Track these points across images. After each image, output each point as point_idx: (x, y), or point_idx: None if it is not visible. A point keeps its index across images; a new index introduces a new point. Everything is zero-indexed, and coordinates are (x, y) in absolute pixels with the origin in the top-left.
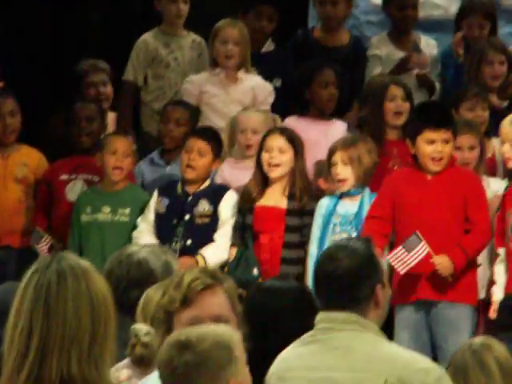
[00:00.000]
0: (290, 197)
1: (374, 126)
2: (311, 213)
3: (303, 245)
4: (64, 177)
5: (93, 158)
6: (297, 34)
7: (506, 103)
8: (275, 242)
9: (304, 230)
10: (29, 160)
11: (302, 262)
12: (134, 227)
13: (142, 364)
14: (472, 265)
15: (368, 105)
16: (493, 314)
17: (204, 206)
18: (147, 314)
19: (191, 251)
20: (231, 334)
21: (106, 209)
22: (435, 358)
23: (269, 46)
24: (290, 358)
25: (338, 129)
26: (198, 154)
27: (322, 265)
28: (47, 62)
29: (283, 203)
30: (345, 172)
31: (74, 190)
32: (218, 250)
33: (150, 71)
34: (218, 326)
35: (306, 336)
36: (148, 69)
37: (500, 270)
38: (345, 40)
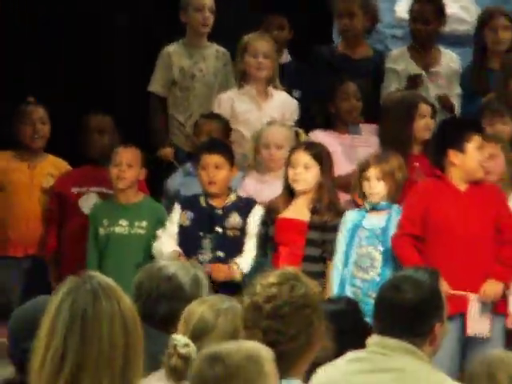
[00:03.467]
0: (314, 211)
1: (401, 141)
2: (333, 229)
3: (324, 260)
4: (75, 189)
5: (103, 169)
6: (320, 47)
7: None
8: (294, 254)
9: (325, 245)
10: (55, 170)
11: (321, 276)
12: (150, 240)
13: (175, 376)
14: None
15: (394, 120)
16: (510, 324)
17: (235, 219)
18: (188, 327)
19: (222, 263)
20: (262, 349)
21: (123, 222)
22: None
23: (285, 58)
24: (333, 373)
25: (371, 144)
26: (214, 168)
27: (386, 293)
28: None
29: (306, 216)
30: (378, 187)
31: (88, 202)
32: (249, 261)
33: (176, 83)
34: (250, 342)
35: (353, 354)
36: (173, 80)
37: None
38: (367, 53)
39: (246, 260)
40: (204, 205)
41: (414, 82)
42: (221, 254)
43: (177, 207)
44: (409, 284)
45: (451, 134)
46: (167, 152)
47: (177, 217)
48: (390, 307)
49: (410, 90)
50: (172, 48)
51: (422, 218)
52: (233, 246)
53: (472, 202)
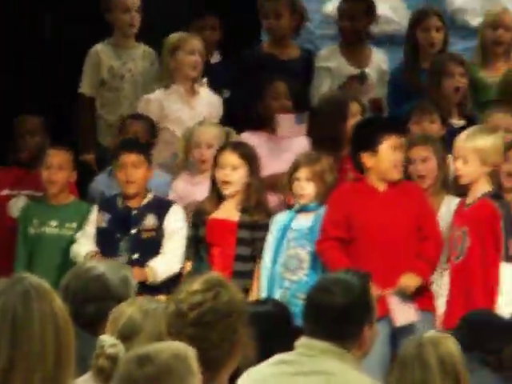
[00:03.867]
0: (243, 210)
1: (332, 141)
2: (263, 227)
3: (255, 258)
4: (5, 192)
5: (34, 171)
6: (247, 48)
7: (462, 122)
8: (227, 254)
9: (255, 244)
10: None
11: (253, 275)
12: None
13: (102, 376)
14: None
15: (325, 120)
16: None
17: (150, 220)
18: (115, 328)
19: (138, 265)
20: (188, 348)
21: (54, 222)
22: None
23: (216, 57)
24: (257, 376)
25: (297, 144)
26: (132, 167)
27: (316, 295)
28: None
29: (235, 216)
30: (308, 188)
31: (17, 205)
32: (167, 262)
33: (105, 83)
34: (175, 342)
35: (279, 356)
36: (102, 80)
37: (446, 283)
38: (295, 53)
39: (162, 263)
40: (120, 206)
41: (359, 80)
42: (136, 256)
43: (94, 208)
44: (339, 287)
45: (363, 136)
46: (89, 159)
47: (94, 218)
48: (320, 309)
49: (355, 89)
50: (100, 47)
51: (345, 220)
52: (148, 248)
53: (391, 201)
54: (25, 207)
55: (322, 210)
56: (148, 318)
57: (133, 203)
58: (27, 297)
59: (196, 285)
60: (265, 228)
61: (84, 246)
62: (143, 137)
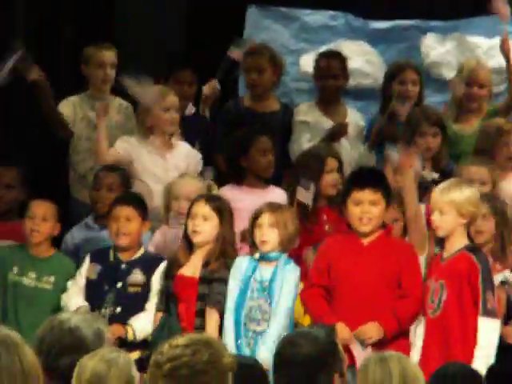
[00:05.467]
0: (205, 264)
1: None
2: (219, 280)
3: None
4: None
5: (12, 222)
6: (227, 103)
7: (437, 175)
8: (190, 310)
9: (210, 296)
10: None
11: None
12: (57, 295)
13: None
14: (405, 333)
15: (303, 175)
16: None
17: (137, 276)
18: (81, 382)
19: (120, 319)
20: None
21: (32, 274)
22: None
23: (190, 110)
24: None
25: (277, 197)
26: (125, 220)
27: (283, 349)
28: None
29: (198, 271)
30: (270, 234)
31: None
32: (149, 321)
33: (78, 132)
34: None
35: None
36: (75, 129)
37: (421, 333)
38: (275, 107)
39: (143, 322)
40: (112, 258)
41: (335, 133)
42: (118, 309)
43: (86, 259)
44: (304, 339)
45: (344, 187)
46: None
47: (85, 268)
48: (288, 363)
49: (331, 141)
50: (74, 99)
51: (328, 270)
52: (132, 303)
53: (372, 255)
54: (6, 252)
55: (283, 258)
56: (112, 368)
57: (124, 256)
58: None
59: (180, 340)
60: (222, 280)
61: (73, 298)
62: (117, 189)
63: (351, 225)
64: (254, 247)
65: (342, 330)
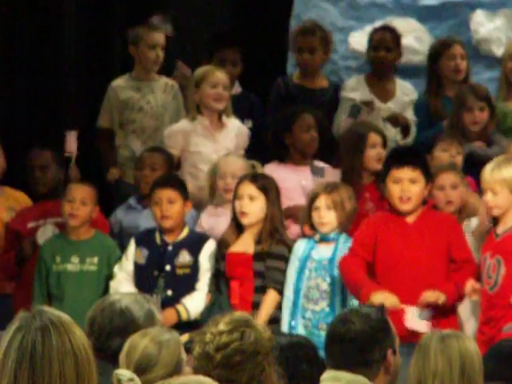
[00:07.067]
0: (257, 242)
1: (350, 171)
2: (275, 256)
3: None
4: (32, 224)
5: (56, 201)
6: (277, 80)
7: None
8: (245, 287)
9: (267, 273)
10: (15, 204)
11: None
12: (102, 276)
13: None
14: (454, 310)
15: (344, 151)
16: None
17: (184, 257)
18: (131, 361)
19: (173, 302)
20: (212, 382)
21: (75, 259)
22: None
23: (236, 89)
24: None
25: (331, 176)
26: (168, 203)
27: (335, 326)
28: None
29: (251, 248)
30: (329, 216)
31: (45, 234)
32: (200, 301)
33: (123, 117)
34: (200, 376)
35: None
36: (120, 114)
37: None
38: (324, 84)
39: (194, 301)
40: (158, 241)
41: (367, 106)
42: (169, 292)
43: (132, 243)
44: (356, 316)
45: (384, 166)
46: (113, 173)
47: (132, 253)
48: (340, 340)
49: (359, 116)
50: (118, 82)
51: (372, 247)
52: (182, 285)
53: (419, 233)
54: (47, 243)
55: (342, 238)
56: (163, 350)
57: (170, 237)
58: (46, 333)
59: (221, 325)
60: (277, 256)
61: (123, 285)
62: (160, 169)
63: (392, 204)
64: (312, 229)
65: (388, 297)
